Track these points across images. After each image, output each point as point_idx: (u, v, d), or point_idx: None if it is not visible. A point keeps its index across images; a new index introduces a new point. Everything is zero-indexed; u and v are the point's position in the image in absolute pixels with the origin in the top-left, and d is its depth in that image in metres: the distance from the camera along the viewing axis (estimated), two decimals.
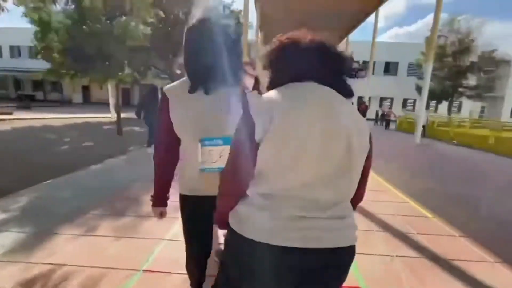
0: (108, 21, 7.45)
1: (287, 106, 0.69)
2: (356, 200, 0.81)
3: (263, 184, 0.72)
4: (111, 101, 14.09)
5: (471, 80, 18.34)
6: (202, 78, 0.97)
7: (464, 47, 17.15)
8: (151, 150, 6.26)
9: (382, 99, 22.91)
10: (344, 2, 11.49)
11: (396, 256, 2.14)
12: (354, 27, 14.74)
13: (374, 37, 13.65)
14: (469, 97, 18.99)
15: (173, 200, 3.23)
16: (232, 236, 0.76)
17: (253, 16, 11.77)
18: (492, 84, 18.89)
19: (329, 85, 0.74)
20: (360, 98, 14.57)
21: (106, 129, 10.43)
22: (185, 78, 1.04)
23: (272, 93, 0.74)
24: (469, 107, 23.91)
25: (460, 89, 18.33)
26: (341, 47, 0.84)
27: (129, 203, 2.97)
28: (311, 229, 0.69)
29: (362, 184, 0.81)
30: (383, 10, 11.78)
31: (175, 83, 1.06)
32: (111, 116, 14.05)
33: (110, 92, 13.88)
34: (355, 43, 22.11)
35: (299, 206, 0.69)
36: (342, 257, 0.74)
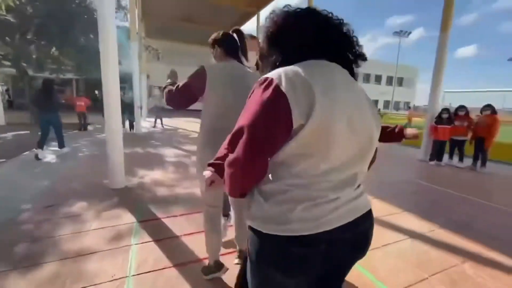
0: None
1: (324, 86, 0.64)
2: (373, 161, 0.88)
3: (295, 173, 0.67)
4: None
5: None
6: None
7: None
8: (42, 153, 4.98)
9: None
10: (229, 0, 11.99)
11: None
12: (238, 25, 15.64)
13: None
14: None
15: (121, 223, 2.57)
16: (272, 240, 0.68)
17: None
18: None
19: (340, 63, 0.73)
20: None
21: None
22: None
23: (299, 70, 0.65)
24: None
25: None
26: None
27: (34, 244, 2.06)
28: (350, 201, 0.72)
29: None
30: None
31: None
32: None
33: None
34: None
35: (332, 188, 0.69)
36: (372, 214, 0.79)
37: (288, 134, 0.64)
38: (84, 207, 2.77)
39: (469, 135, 5.67)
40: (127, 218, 2.56)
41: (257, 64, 1.98)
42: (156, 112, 10.62)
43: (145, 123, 10.64)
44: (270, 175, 0.71)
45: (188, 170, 4.37)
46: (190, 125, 11.56)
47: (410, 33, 32.38)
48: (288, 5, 0.75)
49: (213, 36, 1.55)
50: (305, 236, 0.66)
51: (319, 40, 0.71)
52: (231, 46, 1.51)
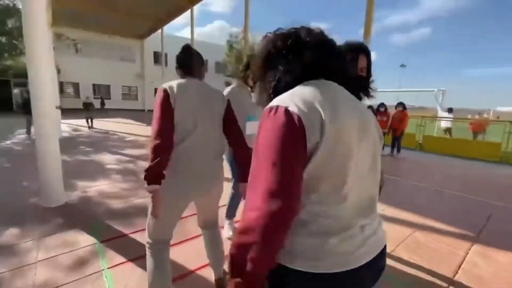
0: None
1: (331, 107, 0.61)
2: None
3: (315, 199, 0.61)
4: None
5: None
6: None
7: (252, 53, 22.44)
8: None
9: None
10: None
11: None
12: (169, 18, 14.69)
13: (192, 32, 14.36)
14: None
15: (78, 247, 2.43)
16: (298, 278, 0.60)
17: None
18: None
19: (337, 81, 0.71)
20: None
21: None
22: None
23: (302, 90, 0.64)
24: None
25: None
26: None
27: None
28: (373, 234, 0.68)
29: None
30: None
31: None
32: None
33: None
34: (170, 37, 22.18)
35: (357, 215, 0.65)
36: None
37: (305, 157, 0.58)
38: (17, 235, 2.19)
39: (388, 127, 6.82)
40: (84, 240, 2.15)
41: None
42: (86, 111, 9.15)
43: (63, 126, 8.97)
44: None
45: (139, 178, 3.93)
46: (123, 127, 10.33)
47: None
48: (281, 28, 0.73)
49: None
50: (337, 273, 0.59)
51: (318, 60, 0.68)
52: (186, 64, 1.41)
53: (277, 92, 0.68)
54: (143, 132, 9.15)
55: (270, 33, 0.73)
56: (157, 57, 22.07)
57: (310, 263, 0.59)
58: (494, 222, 2.86)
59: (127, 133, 8.61)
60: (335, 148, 0.59)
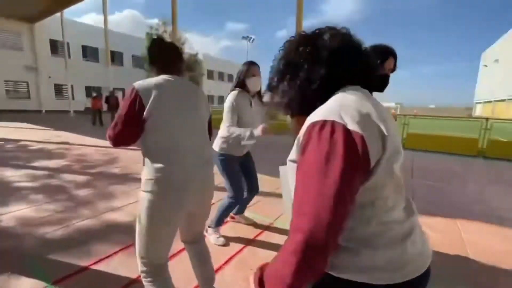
0: None
1: (382, 117, 0.56)
2: None
3: (385, 209, 0.59)
4: None
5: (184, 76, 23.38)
6: None
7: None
8: None
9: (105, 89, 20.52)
10: None
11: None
12: (70, 2, 12.41)
13: (105, 20, 12.45)
14: None
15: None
16: None
17: None
18: (198, 80, 25.30)
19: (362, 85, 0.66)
20: (98, 91, 12.70)
21: None
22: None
23: (348, 101, 0.57)
24: None
25: None
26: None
27: None
28: (422, 233, 0.66)
29: None
30: None
31: None
32: None
33: None
34: (71, 23, 18.85)
35: (409, 215, 0.63)
36: None
37: (365, 177, 0.54)
38: None
39: None
40: (24, 286, 1.61)
41: (259, 93, 2.16)
42: None
43: None
44: (358, 219, 0.58)
45: (72, 194, 3.19)
46: (17, 132, 8.17)
47: (254, 39, 39.16)
48: (303, 31, 0.68)
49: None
50: (413, 279, 0.58)
51: (344, 65, 0.62)
52: (161, 59, 1.25)
53: (295, 102, 0.65)
54: (51, 137, 7.48)
55: (293, 36, 0.68)
56: (55, 46, 18.29)
57: (395, 274, 0.56)
58: (418, 194, 3.58)
59: (28, 140, 6.85)
60: (393, 155, 0.56)
